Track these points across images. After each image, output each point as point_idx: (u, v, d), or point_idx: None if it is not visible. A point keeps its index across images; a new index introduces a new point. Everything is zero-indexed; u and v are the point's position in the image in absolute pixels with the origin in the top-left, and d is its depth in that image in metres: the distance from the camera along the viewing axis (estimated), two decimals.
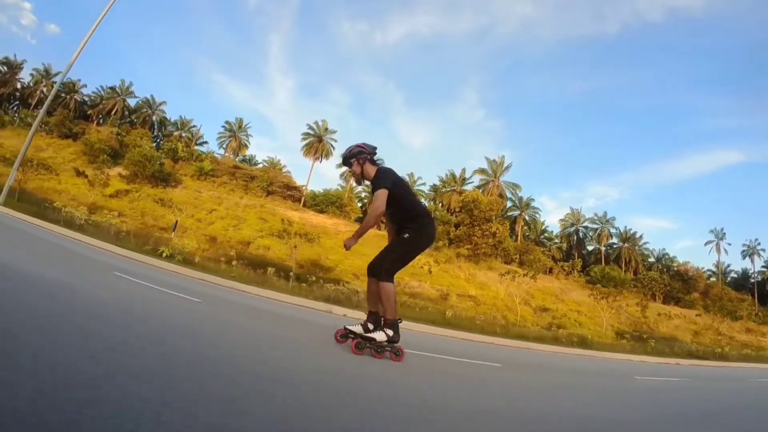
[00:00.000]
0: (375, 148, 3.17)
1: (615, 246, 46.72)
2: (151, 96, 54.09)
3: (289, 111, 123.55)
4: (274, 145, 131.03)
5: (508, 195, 44.74)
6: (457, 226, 39.18)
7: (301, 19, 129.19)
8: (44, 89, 55.27)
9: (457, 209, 41.40)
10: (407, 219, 3.04)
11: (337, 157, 48.41)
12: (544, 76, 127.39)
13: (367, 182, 3.15)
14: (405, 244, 2.99)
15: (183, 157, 46.73)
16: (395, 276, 3.00)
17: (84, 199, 30.87)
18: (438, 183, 48.69)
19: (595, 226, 45.67)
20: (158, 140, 53.78)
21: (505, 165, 44.59)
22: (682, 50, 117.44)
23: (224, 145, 53.02)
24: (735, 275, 46.78)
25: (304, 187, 44.05)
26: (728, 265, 46.35)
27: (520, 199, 45.40)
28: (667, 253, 46.39)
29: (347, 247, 3.02)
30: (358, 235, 3.03)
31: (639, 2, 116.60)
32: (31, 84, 56.56)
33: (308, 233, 32.58)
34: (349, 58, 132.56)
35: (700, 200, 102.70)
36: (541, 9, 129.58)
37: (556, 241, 47.93)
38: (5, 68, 55.90)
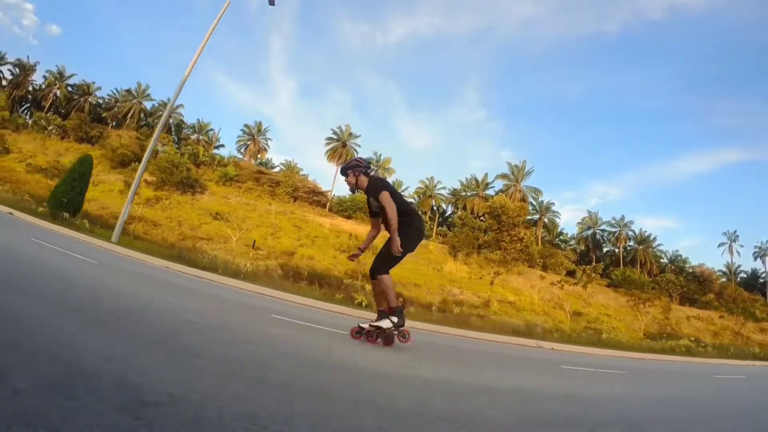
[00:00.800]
0: (369, 163, 3.79)
1: (629, 248, 48.08)
2: (168, 98, 53.70)
3: (290, 111, 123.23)
4: (276, 145, 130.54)
5: (530, 199, 45.72)
6: (485, 231, 39.98)
7: (302, 20, 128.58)
8: (57, 92, 54.48)
9: (481, 214, 42.19)
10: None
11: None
12: (545, 76, 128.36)
13: (360, 191, 3.69)
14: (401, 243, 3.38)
15: (205, 162, 46.69)
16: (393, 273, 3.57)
17: (117, 208, 30.63)
18: (458, 187, 49.50)
19: (612, 229, 47.02)
20: (176, 144, 53.47)
21: (526, 170, 45.50)
22: (682, 49, 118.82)
23: (243, 149, 52.98)
24: (744, 275, 48.54)
25: (329, 192, 44.43)
26: (738, 266, 48.07)
27: (540, 203, 46.48)
28: (680, 255, 47.97)
29: (395, 250, 3.33)
30: (394, 234, 3.36)
31: (640, 1, 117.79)
32: (44, 86, 55.64)
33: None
34: (350, 58, 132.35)
35: (700, 198, 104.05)
36: (542, 9, 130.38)
37: (572, 243, 49.17)
38: (17, 70, 54.94)
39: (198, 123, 53.05)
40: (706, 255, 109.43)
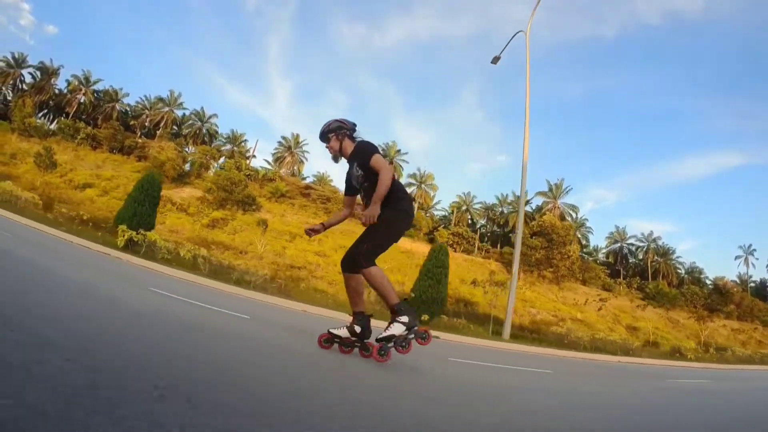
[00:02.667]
0: (355, 125, 3.01)
1: (653, 261, 51.61)
2: (202, 108, 52.71)
3: (287, 113, 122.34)
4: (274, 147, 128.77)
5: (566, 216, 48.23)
6: (535, 249, 42.05)
7: (300, 22, 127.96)
8: (83, 97, 52.28)
9: (531, 233, 44.27)
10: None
11: (406, 178, 49.76)
12: (543, 79, 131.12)
13: (344, 159, 2.98)
14: (382, 225, 2.66)
15: (251, 176, 46.34)
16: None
17: (188, 233, 30.10)
18: (495, 202, 51.48)
19: (641, 243, 50.39)
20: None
21: (564, 188, 47.91)
22: (679, 53, 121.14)
23: (279, 162, 52.70)
24: (753, 284, 53.07)
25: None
26: (751, 276, 52.52)
27: (575, 219, 49.07)
28: (697, 266, 51.91)
29: (370, 216, 2.58)
30: (379, 199, 2.62)
31: (637, 4, 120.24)
32: (67, 91, 53.15)
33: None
34: (347, 60, 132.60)
35: (700, 202, 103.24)
36: (539, 12, 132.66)
37: (601, 256, 52.31)
38: (38, 74, 52.26)
39: (232, 133, 52.40)
40: (707, 258, 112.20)
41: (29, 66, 51.99)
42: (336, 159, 3.02)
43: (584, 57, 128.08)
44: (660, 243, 49.47)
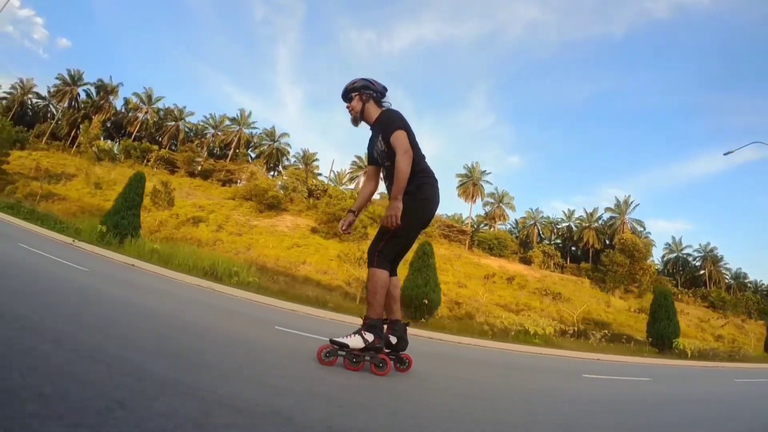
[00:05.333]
0: (385, 88, 2.64)
1: (703, 269, 55.54)
2: (273, 127, 51.73)
3: (297, 120, 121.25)
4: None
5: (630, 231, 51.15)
6: (622, 265, 44.45)
7: (308, 29, 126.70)
8: (147, 116, 50.03)
9: (600, 247, 46.67)
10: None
11: (488, 198, 50.91)
12: (552, 79, 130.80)
13: (365, 124, 2.61)
14: (404, 217, 2.27)
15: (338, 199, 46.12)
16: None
17: (338, 277, 29.26)
18: (562, 216, 53.82)
19: (697, 254, 54.18)
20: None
21: (631, 203, 50.70)
22: (688, 49, 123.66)
23: (354, 182, 52.62)
24: None
25: (466, 226, 46.17)
26: None
27: (639, 233, 52.10)
28: (742, 271, 56.30)
29: (394, 217, 2.23)
30: (398, 195, 2.27)
31: (645, 1, 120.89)
32: (126, 110, 50.66)
33: (550, 288, 35.49)
34: (356, 66, 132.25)
35: (716, 199, 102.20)
36: (547, 12, 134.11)
37: (658, 266, 55.89)
38: (94, 91, 49.53)
39: (304, 153, 51.73)
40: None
41: (86, 84, 49.27)
42: (356, 122, 2.63)
43: (592, 56, 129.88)
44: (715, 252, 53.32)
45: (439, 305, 15.51)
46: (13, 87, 51.80)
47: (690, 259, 54.46)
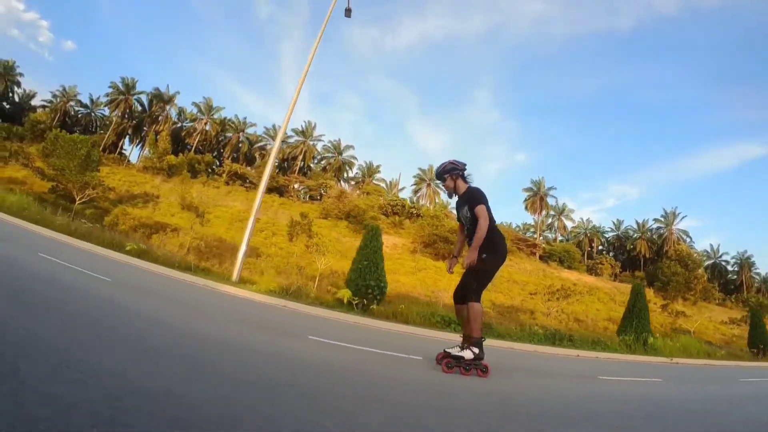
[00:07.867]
0: (465, 165, 3.63)
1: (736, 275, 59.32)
2: (338, 139, 50.94)
3: (303, 119, 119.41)
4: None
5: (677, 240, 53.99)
6: (678, 275, 46.98)
7: (312, 27, 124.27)
8: (208, 127, 48.17)
9: (669, 261, 49.07)
10: (485, 238, 3.26)
11: (553, 212, 52.17)
12: (558, 75, 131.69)
13: (457, 195, 3.62)
14: (486, 266, 3.31)
15: (412, 214, 46.13)
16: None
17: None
18: (611, 226, 56.13)
19: (734, 260, 57.80)
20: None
21: (678, 214, 53.46)
22: (695, 43, 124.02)
23: (418, 194, 52.68)
24: None
25: (536, 239, 47.31)
26: None
27: (684, 242, 55.03)
28: None
29: (471, 265, 3.24)
30: (477, 247, 3.23)
31: None
32: (182, 121, 48.53)
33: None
34: (361, 63, 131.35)
35: (725, 195, 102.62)
36: (552, 6, 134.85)
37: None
38: (149, 100, 47.13)
39: (367, 166, 51.25)
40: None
41: (139, 93, 46.81)
42: (450, 195, 3.69)
43: (597, 51, 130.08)
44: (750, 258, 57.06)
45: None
46: (53, 95, 48.75)
47: (728, 266, 58.01)
